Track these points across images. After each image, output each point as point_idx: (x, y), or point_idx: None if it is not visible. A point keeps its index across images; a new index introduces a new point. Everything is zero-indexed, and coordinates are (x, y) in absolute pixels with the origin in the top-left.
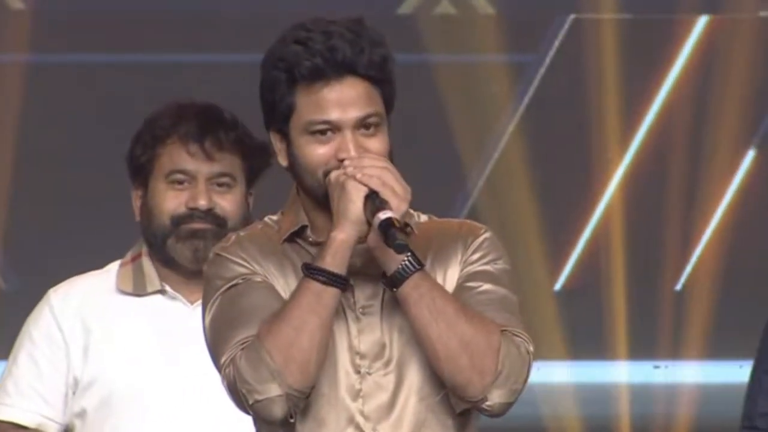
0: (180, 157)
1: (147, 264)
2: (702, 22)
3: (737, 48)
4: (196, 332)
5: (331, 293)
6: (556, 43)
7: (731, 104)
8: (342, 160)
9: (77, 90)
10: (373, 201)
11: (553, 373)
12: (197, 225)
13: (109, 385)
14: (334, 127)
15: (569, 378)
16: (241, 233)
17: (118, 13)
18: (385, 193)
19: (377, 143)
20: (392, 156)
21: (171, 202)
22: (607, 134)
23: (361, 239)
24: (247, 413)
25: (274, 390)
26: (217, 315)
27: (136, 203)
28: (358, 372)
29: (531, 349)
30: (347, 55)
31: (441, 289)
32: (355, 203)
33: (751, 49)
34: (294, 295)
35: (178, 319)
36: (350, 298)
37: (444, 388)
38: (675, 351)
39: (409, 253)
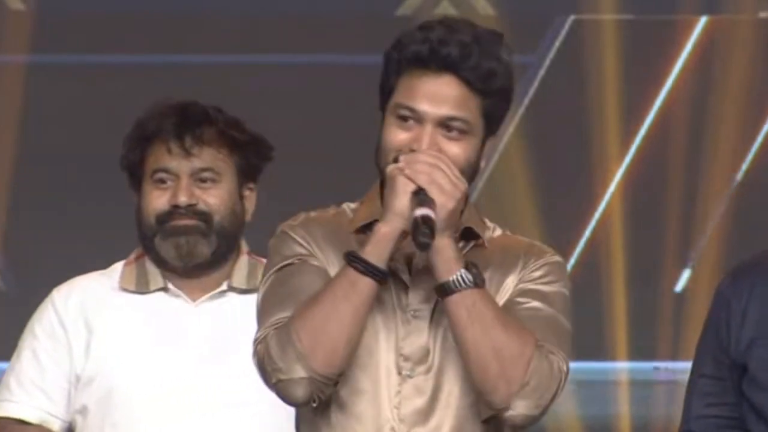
0: (162, 156)
1: (150, 263)
2: (702, 22)
3: (737, 49)
4: (198, 329)
5: (366, 283)
6: (557, 44)
7: (731, 104)
8: (413, 151)
9: (77, 90)
10: (419, 198)
11: None
12: (179, 221)
13: (109, 381)
14: (418, 118)
15: (569, 378)
16: (312, 214)
17: (118, 14)
18: (431, 190)
19: (456, 149)
20: (474, 170)
21: (156, 201)
22: (607, 134)
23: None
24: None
25: (298, 372)
26: (267, 292)
27: (135, 207)
28: (399, 373)
29: (565, 368)
30: (452, 52)
31: (484, 294)
32: (400, 198)
33: (751, 50)
34: (331, 281)
35: (180, 317)
36: (403, 300)
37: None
38: (675, 352)
39: (463, 267)
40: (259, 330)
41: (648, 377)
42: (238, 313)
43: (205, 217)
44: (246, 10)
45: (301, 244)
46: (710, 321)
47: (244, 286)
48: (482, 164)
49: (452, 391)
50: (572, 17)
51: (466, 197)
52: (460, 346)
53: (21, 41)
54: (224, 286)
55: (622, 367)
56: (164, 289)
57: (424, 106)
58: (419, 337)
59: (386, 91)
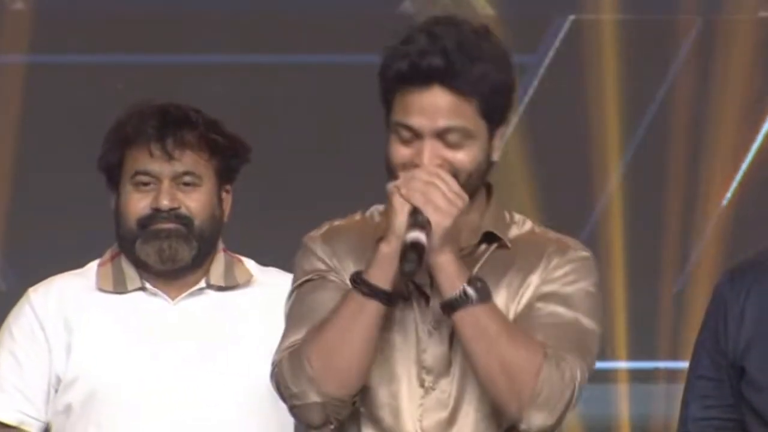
0: (143, 158)
1: (126, 262)
2: (702, 22)
3: (737, 48)
4: (178, 327)
5: (373, 306)
6: (556, 44)
7: (731, 104)
8: (416, 166)
9: (77, 90)
10: (414, 218)
11: None
12: (161, 225)
13: (92, 381)
14: (416, 133)
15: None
16: (336, 223)
17: (117, 14)
18: (426, 210)
19: (461, 155)
20: (486, 167)
21: (137, 204)
22: (607, 134)
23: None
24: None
25: (311, 397)
26: (288, 310)
27: (112, 207)
28: (422, 386)
29: (578, 375)
30: (434, 63)
31: (489, 308)
32: (398, 218)
33: (751, 50)
34: (339, 304)
35: (159, 315)
36: (425, 311)
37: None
38: (675, 351)
39: (466, 283)
40: (276, 352)
41: (648, 377)
42: (217, 311)
43: (186, 221)
44: (246, 9)
45: (320, 259)
46: (708, 321)
47: (221, 284)
48: (495, 157)
49: (471, 401)
50: (572, 17)
51: (490, 193)
52: (469, 361)
53: (21, 41)
54: (202, 284)
55: (622, 367)
56: (142, 288)
57: (419, 121)
58: (441, 348)
59: (385, 105)
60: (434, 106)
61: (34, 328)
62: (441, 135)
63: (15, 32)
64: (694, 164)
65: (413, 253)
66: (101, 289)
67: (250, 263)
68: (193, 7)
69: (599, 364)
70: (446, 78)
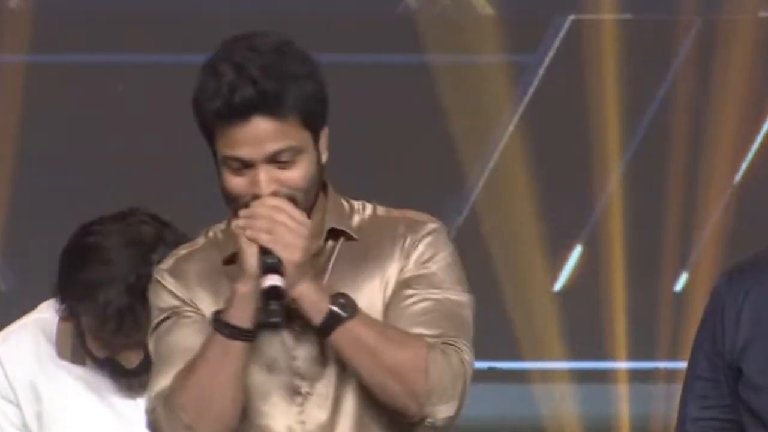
0: (96, 339)
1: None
2: (701, 22)
3: (737, 48)
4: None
5: (238, 346)
6: (556, 44)
7: (731, 104)
8: (256, 196)
9: (77, 90)
10: (264, 259)
11: (553, 373)
12: (127, 365)
13: None
14: (246, 163)
15: (569, 378)
16: (182, 252)
17: (117, 14)
18: (275, 249)
19: (295, 172)
20: (320, 169)
21: (100, 351)
22: (607, 134)
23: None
24: None
25: None
26: (152, 352)
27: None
28: (299, 393)
29: (466, 357)
30: (247, 96)
31: (360, 321)
32: (248, 260)
33: (751, 50)
34: (203, 347)
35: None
36: (289, 317)
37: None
38: (675, 351)
39: (330, 303)
40: (147, 399)
41: (648, 377)
42: None
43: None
44: (246, 9)
45: (172, 293)
46: (705, 322)
47: None
48: (324, 159)
49: (352, 399)
50: (572, 17)
51: (326, 189)
52: (357, 376)
53: (21, 41)
54: None
55: (622, 367)
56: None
57: (247, 152)
58: (312, 351)
59: (206, 134)
60: (258, 135)
61: (4, 388)
62: (271, 158)
63: (15, 32)
64: (694, 164)
65: (275, 303)
66: (61, 357)
67: None
68: (193, 7)
69: (599, 364)
70: (262, 107)
